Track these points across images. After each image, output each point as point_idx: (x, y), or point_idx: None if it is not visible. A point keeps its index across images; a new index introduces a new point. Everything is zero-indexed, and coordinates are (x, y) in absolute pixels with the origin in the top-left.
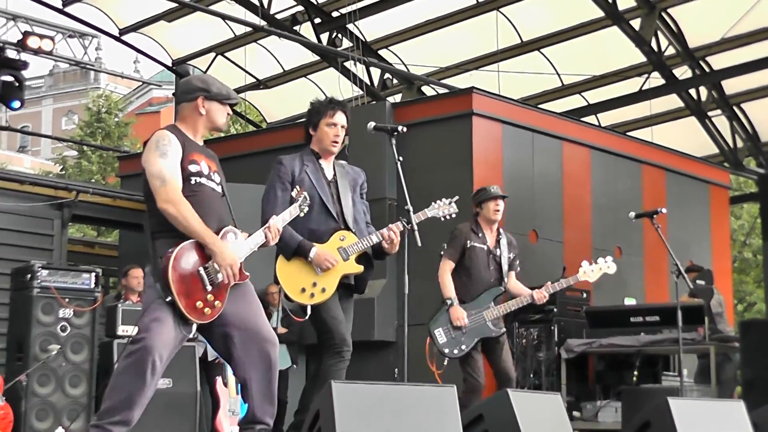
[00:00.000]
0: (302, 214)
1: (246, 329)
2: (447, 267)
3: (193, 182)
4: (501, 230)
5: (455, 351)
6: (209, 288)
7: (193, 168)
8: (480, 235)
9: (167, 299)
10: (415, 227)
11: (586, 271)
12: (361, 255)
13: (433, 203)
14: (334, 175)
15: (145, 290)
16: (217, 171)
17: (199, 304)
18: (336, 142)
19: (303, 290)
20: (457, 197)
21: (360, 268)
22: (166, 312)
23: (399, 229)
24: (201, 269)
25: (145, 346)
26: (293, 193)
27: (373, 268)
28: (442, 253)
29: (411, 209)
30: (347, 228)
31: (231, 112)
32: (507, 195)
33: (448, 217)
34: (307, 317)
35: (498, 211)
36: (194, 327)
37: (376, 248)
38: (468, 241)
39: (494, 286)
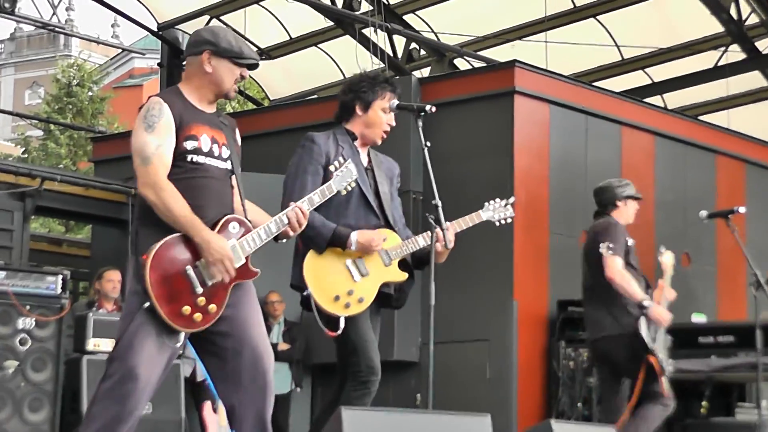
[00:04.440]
0: (344, 192)
1: (240, 342)
2: (621, 265)
3: (189, 161)
4: None
5: (669, 368)
6: (199, 290)
7: (189, 144)
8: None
9: (145, 305)
10: (445, 226)
11: None
12: (400, 263)
13: (486, 204)
14: (369, 162)
15: (127, 296)
16: (226, 144)
17: (186, 309)
18: (386, 133)
19: (337, 298)
20: (513, 198)
21: (404, 276)
22: (149, 322)
23: (443, 239)
24: (189, 268)
25: (126, 366)
26: (332, 167)
27: (414, 279)
28: (607, 250)
29: (440, 204)
30: (389, 226)
31: (246, 76)
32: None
33: (503, 221)
34: (340, 331)
35: (634, 214)
36: (182, 336)
37: (417, 256)
38: (628, 239)
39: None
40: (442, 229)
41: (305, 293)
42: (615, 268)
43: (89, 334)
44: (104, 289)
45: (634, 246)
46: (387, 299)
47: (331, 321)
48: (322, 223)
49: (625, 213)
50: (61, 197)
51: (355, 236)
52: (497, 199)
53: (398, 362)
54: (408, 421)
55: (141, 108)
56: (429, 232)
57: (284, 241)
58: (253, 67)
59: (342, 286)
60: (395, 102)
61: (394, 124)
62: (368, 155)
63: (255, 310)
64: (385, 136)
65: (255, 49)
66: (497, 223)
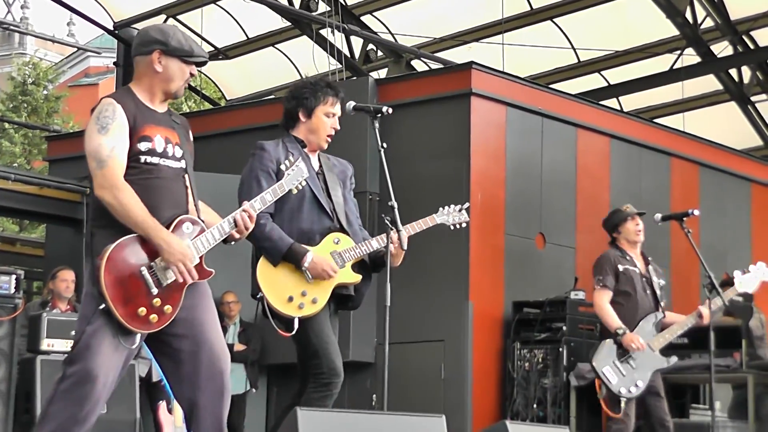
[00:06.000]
0: (296, 191)
1: (197, 343)
2: (606, 296)
3: (143, 162)
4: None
5: (632, 389)
6: (155, 291)
7: (142, 145)
8: (628, 258)
9: (101, 307)
10: (400, 227)
11: (741, 281)
12: (356, 263)
13: (441, 209)
14: (320, 167)
15: (83, 298)
16: (179, 143)
17: (142, 311)
18: (331, 137)
19: (290, 299)
20: (467, 204)
21: (358, 278)
22: (105, 324)
23: (397, 240)
24: (144, 269)
25: (84, 368)
26: (283, 167)
27: (370, 280)
28: (595, 284)
29: (396, 206)
30: (342, 229)
31: (195, 74)
32: (645, 212)
33: (458, 226)
34: (294, 332)
35: (640, 231)
36: (138, 338)
37: (374, 258)
38: (619, 265)
39: (652, 312)
40: (398, 231)
41: (258, 296)
42: (597, 302)
43: (43, 334)
44: (58, 288)
45: (632, 271)
46: (344, 300)
47: (286, 322)
48: (279, 236)
49: (627, 234)
50: (15, 196)
51: (310, 257)
52: (451, 205)
53: (354, 363)
54: (363, 422)
55: (93, 109)
56: (383, 235)
57: (233, 243)
58: (201, 64)
59: (295, 287)
60: (352, 104)
61: (338, 127)
62: (319, 160)
63: (211, 312)
64: (329, 140)
65: (212, 48)
66: (451, 227)
